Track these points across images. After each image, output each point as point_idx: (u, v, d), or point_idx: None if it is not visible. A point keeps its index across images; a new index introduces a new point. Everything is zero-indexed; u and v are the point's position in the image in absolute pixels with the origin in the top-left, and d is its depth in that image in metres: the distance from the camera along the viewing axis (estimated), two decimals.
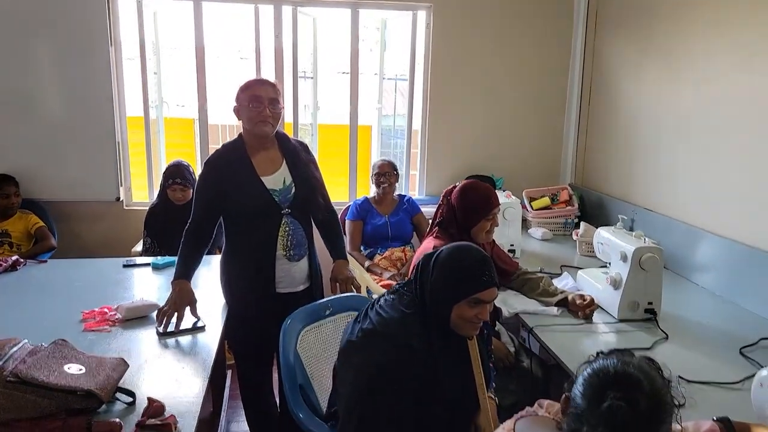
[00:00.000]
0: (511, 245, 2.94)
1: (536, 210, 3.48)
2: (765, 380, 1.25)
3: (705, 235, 2.60)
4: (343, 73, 4.07)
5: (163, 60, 4.02)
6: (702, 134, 2.68)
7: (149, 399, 1.49)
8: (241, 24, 4.66)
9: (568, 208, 3.46)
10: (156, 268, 2.64)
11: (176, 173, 3.15)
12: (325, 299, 2.11)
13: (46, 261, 2.73)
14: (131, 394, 1.54)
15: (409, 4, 3.78)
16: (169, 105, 5.35)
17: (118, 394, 1.54)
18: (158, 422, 1.44)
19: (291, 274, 2.19)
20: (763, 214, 2.31)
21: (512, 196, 3.05)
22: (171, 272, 2.46)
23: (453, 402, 1.51)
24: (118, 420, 1.44)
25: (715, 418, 1.32)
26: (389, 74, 4.38)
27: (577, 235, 3.05)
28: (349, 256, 2.62)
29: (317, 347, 1.93)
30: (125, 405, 1.52)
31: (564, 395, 1.09)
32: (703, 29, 2.67)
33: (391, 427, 1.44)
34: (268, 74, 3.77)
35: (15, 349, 1.49)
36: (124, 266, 2.67)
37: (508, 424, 1.19)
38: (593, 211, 3.53)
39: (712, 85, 2.61)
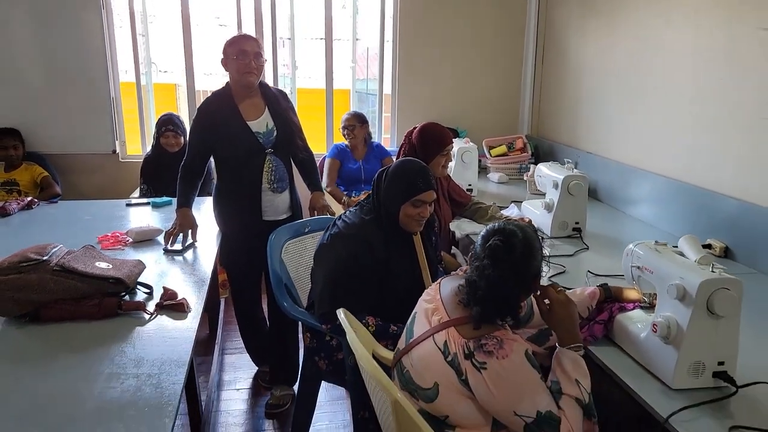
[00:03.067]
0: (469, 185, 3.35)
1: (494, 157, 3.90)
2: (629, 251, 1.66)
3: (637, 171, 3.02)
4: (320, 39, 4.39)
5: (150, 27, 4.30)
6: (634, 84, 3.09)
7: (164, 288, 1.88)
8: None
9: (523, 154, 3.87)
10: (155, 206, 3.01)
11: (168, 121, 3.49)
12: (304, 220, 2.51)
13: (56, 202, 3.09)
14: (149, 287, 1.93)
15: None
16: (155, 69, 5.61)
17: (139, 287, 1.92)
18: (173, 302, 1.83)
19: (275, 204, 2.57)
20: (685, 151, 2.71)
21: (470, 143, 3.44)
22: (168, 209, 2.84)
23: (405, 286, 1.92)
24: (142, 300, 1.84)
25: (597, 286, 1.75)
26: (362, 40, 4.71)
27: (527, 177, 3.46)
28: (326, 192, 3.00)
29: (297, 257, 2.33)
30: (145, 294, 1.90)
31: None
32: None
33: (356, 306, 1.84)
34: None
35: (55, 249, 1.86)
36: (127, 205, 3.03)
37: (434, 285, 1.60)
38: (546, 158, 3.94)
39: (641, 41, 3.01)
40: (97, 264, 1.87)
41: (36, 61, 3.77)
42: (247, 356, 2.93)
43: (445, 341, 1.36)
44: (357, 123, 3.75)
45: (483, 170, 3.94)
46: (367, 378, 1.47)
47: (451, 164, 3.34)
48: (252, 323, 2.79)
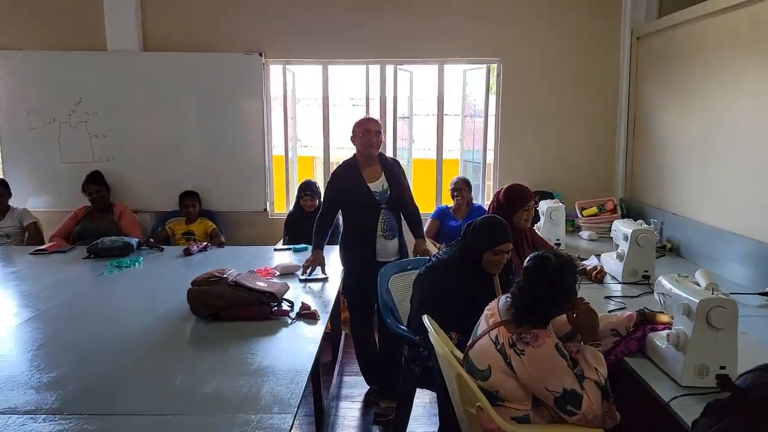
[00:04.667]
0: (557, 240, 3.78)
1: (585, 217, 4.30)
2: (657, 282, 2.06)
3: (714, 230, 3.30)
4: (432, 114, 5.14)
5: (297, 109, 5.33)
6: (715, 153, 3.41)
7: (302, 302, 2.57)
8: (355, 79, 5.90)
9: (613, 215, 4.23)
10: (295, 251, 3.79)
11: (307, 187, 4.35)
12: (408, 259, 3.14)
13: (222, 248, 4.00)
14: (291, 302, 2.63)
15: (483, 59, 4.80)
16: (299, 144, 6.69)
17: (284, 301, 2.63)
18: (308, 312, 2.50)
19: (387, 248, 3.22)
20: (758, 211, 2.95)
21: (558, 203, 3.90)
22: (304, 254, 3.59)
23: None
24: (286, 309, 2.54)
25: (636, 310, 2.16)
26: (470, 116, 5.39)
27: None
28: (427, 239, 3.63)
29: (401, 287, 2.94)
30: (288, 306, 2.60)
31: None
32: (711, 76, 3.44)
33: (443, 322, 2.38)
34: (375, 116, 4.93)
35: (231, 271, 2.63)
36: (275, 250, 3.85)
37: (496, 299, 2.10)
38: (636, 218, 4.26)
39: (714, 113, 3.37)
40: (257, 283, 2.61)
41: (210, 138, 4.85)
42: (361, 377, 3.52)
43: (497, 335, 1.87)
44: (464, 186, 4.37)
45: (576, 229, 4.35)
46: (442, 362, 2.01)
47: (540, 222, 3.83)
48: (365, 346, 3.40)
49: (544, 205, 3.84)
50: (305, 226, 3.83)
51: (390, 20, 4.71)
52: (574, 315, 1.92)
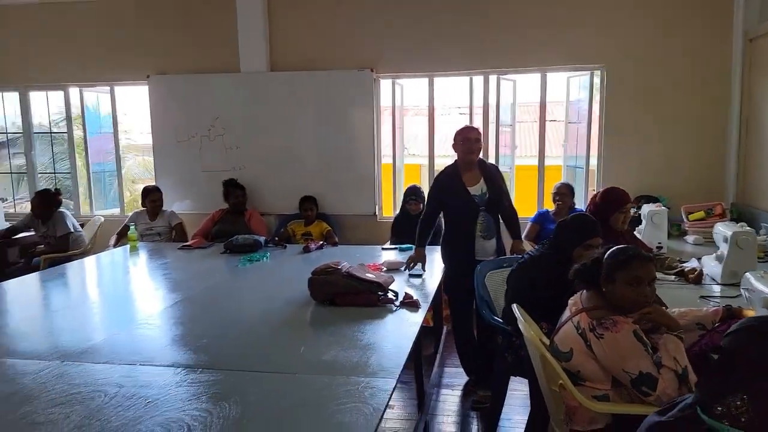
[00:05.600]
0: (659, 243, 3.80)
1: (691, 221, 4.24)
2: (744, 278, 2.14)
3: None
4: (534, 121, 5.29)
5: (404, 119, 5.70)
6: None
7: (405, 293, 2.88)
8: (460, 88, 6.18)
9: (722, 219, 4.14)
10: (401, 250, 4.12)
11: (412, 192, 4.69)
12: (504, 257, 3.37)
13: (336, 247, 4.43)
14: (395, 292, 2.95)
15: (586, 66, 4.89)
16: (406, 153, 7.08)
17: (390, 291, 2.95)
18: (410, 301, 2.81)
19: (485, 248, 3.46)
20: None
21: (660, 207, 3.91)
22: (409, 253, 3.90)
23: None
24: (392, 298, 2.86)
25: (722, 306, 2.25)
26: (574, 122, 5.46)
27: None
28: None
29: (497, 283, 3.17)
30: (393, 296, 2.92)
31: None
32: None
33: (533, 313, 2.58)
34: (478, 125, 5.17)
35: (344, 263, 3.01)
36: (382, 249, 4.22)
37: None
38: (748, 224, 4.14)
39: None
40: (366, 275, 2.96)
41: (326, 148, 5.35)
42: (461, 369, 3.77)
43: (578, 321, 2.07)
44: (566, 191, 4.49)
45: (682, 233, 4.31)
46: (528, 344, 2.23)
47: (642, 225, 3.88)
48: (464, 338, 3.65)
49: (645, 209, 3.88)
50: (410, 228, 4.14)
51: (493, 32, 4.95)
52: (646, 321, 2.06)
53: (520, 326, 2.30)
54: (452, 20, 5.00)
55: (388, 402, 1.80)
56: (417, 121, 8.52)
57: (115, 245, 4.90)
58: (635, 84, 4.75)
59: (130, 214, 5.35)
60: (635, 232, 3.68)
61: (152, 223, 5.12)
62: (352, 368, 2.06)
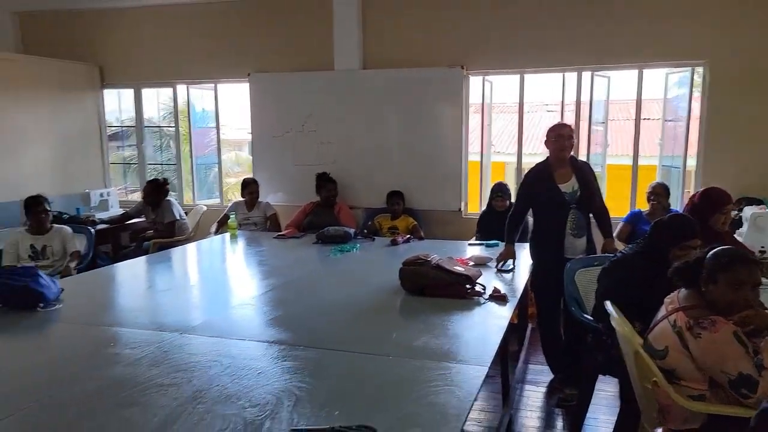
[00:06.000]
0: (762, 247, 3.60)
1: None
2: None
3: None
4: (629, 120, 5.14)
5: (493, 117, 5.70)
6: None
7: (494, 287, 2.93)
8: (550, 85, 6.10)
9: None
10: (487, 246, 4.15)
11: (499, 189, 4.70)
12: (595, 255, 3.33)
13: (422, 240, 4.52)
14: (483, 285, 3.00)
15: (686, 62, 4.69)
16: (493, 150, 7.06)
17: (478, 284, 3.01)
18: (498, 295, 2.86)
19: (574, 246, 3.43)
20: None
21: (765, 209, 3.72)
22: (495, 249, 3.93)
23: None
24: (480, 290, 2.92)
25: None
26: (671, 120, 5.25)
27: None
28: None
29: (586, 281, 3.14)
30: (481, 289, 2.97)
31: None
32: None
33: (625, 311, 2.56)
34: (569, 122, 5.09)
35: (434, 255, 3.10)
36: (469, 245, 4.27)
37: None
38: None
39: None
40: (455, 267, 3.03)
41: (414, 144, 5.46)
42: (546, 366, 3.76)
43: (675, 319, 2.04)
44: (662, 191, 4.35)
45: None
46: (621, 340, 2.22)
47: (743, 228, 3.71)
48: (551, 336, 3.64)
49: (748, 211, 3.70)
50: (496, 224, 4.18)
51: (588, 27, 4.86)
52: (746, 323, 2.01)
53: (612, 322, 2.30)
54: (545, 15, 4.95)
55: (481, 387, 1.87)
56: (503, 119, 8.44)
57: (216, 233, 5.24)
58: (741, 80, 4.51)
59: (230, 204, 5.70)
60: (735, 235, 3.52)
61: (249, 213, 5.43)
62: (444, 355, 2.14)
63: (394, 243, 4.29)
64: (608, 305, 2.40)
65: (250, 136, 6.21)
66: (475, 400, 1.79)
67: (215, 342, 2.30)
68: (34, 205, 4.18)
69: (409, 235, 4.51)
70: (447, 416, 1.64)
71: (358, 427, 1.56)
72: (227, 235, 4.69)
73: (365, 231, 4.72)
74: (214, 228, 5.39)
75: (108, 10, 6.17)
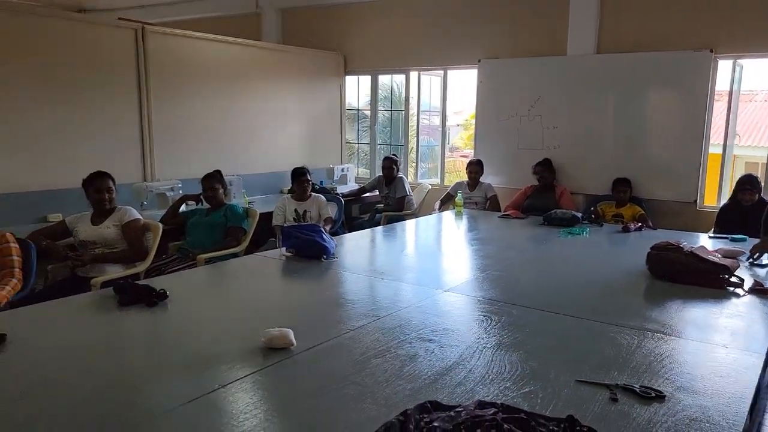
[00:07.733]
0: None
1: None
2: None
3: None
4: None
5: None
6: None
7: (755, 280, 2.80)
8: None
9: None
10: (733, 240, 3.86)
11: (748, 181, 4.38)
12: None
13: (655, 229, 4.41)
14: (741, 278, 2.87)
15: None
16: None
17: (735, 277, 2.89)
18: (763, 288, 2.73)
19: None
20: None
21: None
22: (741, 244, 3.68)
23: None
24: (739, 283, 2.82)
25: None
26: None
27: None
28: None
29: None
30: (739, 282, 2.85)
31: None
32: None
33: None
34: None
35: (684, 243, 3.05)
36: (709, 237, 4.05)
37: None
38: None
39: None
40: (709, 257, 2.96)
41: (646, 130, 5.30)
42: None
43: None
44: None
45: None
46: None
47: None
48: None
49: None
50: (739, 218, 3.92)
51: None
52: None
53: None
54: None
55: (761, 376, 1.87)
56: (751, 108, 7.57)
57: (439, 210, 5.64)
58: None
59: (453, 184, 6.06)
60: None
61: (471, 193, 5.74)
62: (711, 340, 2.15)
63: (625, 230, 4.24)
64: None
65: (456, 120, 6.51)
66: (759, 388, 1.80)
67: (477, 300, 2.58)
68: (300, 174, 4.90)
69: (641, 224, 4.42)
70: (732, 399, 1.67)
71: (643, 387, 1.70)
72: (450, 213, 5.02)
73: (593, 216, 4.72)
74: (437, 205, 5.79)
75: (352, 3, 6.87)
